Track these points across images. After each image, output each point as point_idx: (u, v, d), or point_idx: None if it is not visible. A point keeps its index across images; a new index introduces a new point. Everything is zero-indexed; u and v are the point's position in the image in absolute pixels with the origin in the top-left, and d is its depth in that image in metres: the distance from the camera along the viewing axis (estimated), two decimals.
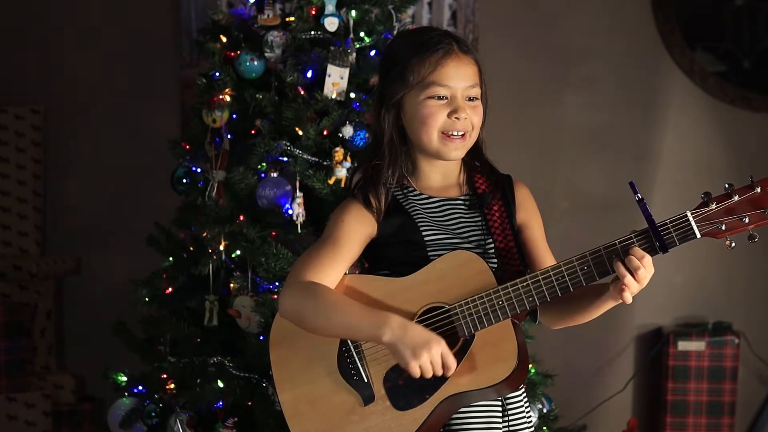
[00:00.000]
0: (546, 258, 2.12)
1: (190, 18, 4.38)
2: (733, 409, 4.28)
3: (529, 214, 2.15)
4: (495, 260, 2.06)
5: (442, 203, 2.11)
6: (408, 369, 1.92)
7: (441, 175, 2.13)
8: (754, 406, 4.41)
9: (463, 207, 2.11)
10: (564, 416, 3.46)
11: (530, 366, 3.01)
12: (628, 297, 1.92)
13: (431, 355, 1.90)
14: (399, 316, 1.95)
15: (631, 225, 1.99)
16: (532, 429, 2.13)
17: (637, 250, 1.91)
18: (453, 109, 2.04)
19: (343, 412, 2.01)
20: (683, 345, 4.27)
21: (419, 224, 2.07)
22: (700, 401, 4.27)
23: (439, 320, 1.99)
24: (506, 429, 2.05)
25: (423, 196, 2.11)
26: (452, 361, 1.93)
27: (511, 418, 2.06)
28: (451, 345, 1.96)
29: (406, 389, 1.98)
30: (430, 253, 2.04)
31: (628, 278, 1.90)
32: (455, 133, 2.04)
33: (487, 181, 2.13)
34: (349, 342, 2.01)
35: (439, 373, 1.92)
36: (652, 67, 4.45)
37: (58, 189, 4.45)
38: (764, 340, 4.43)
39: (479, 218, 2.10)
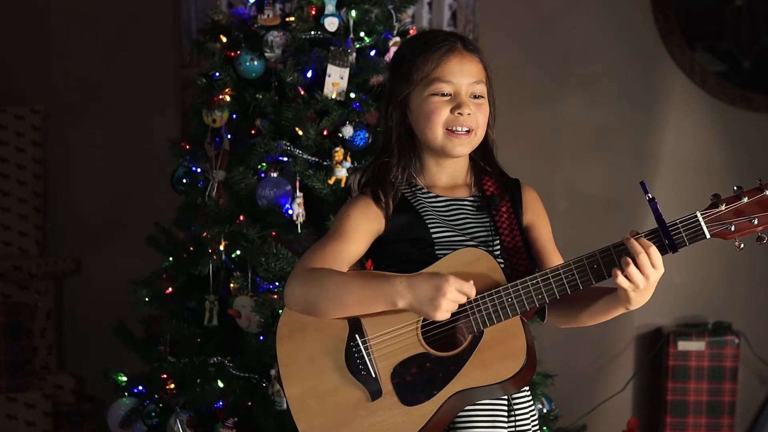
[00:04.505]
0: (554, 259, 2.12)
1: (190, 18, 4.38)
2: (733, 409, 4.28)
3: (536, 215, 2.15)
4: (501, 261, 2.05)
5: (449, 203, 2.11)
6: (436, 320, 1.93)
7: (448, 176, 2.13)
8: (754, 406, 4.42)
9: (470, 208, 2.11)
10: (564, 416, 3.46)
11: None
12: (624, 281, 1.90)
13: (449, 297, 1.91)
14: (401, 276, 1.95)
15: (632, 225, 2.00)
16: (537, 430, 2.13)
17: (644, 240, 1.90)
18: (456, 105, 2.04)
19: (350, 407, 2.00)
20: (683, 345, 4.27)
21: (427, 222, 2.07)
22: (700, 401, 4.27)
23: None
24: (512, 428, 2.05)
25: (431, 195, 2.11)
26: (469, 288, 1.93)
27: (517, 417, 2.06)
28: (460, 341, 1.97)
29: (414, 384, 1.98)
30: (437, 251, 2.04)
31: (634, 270, 1.89)
32: (459, 129, 2.05)
33: (495, 183, 2.13)
34: (356, 337, 2.00)
35: (464, 301, 1.93)
36: (652, 67, 4.45)
37: (58, 189, 4.45)
38: (764, 340, 4.43)
39: (487, 219, 2.10)
